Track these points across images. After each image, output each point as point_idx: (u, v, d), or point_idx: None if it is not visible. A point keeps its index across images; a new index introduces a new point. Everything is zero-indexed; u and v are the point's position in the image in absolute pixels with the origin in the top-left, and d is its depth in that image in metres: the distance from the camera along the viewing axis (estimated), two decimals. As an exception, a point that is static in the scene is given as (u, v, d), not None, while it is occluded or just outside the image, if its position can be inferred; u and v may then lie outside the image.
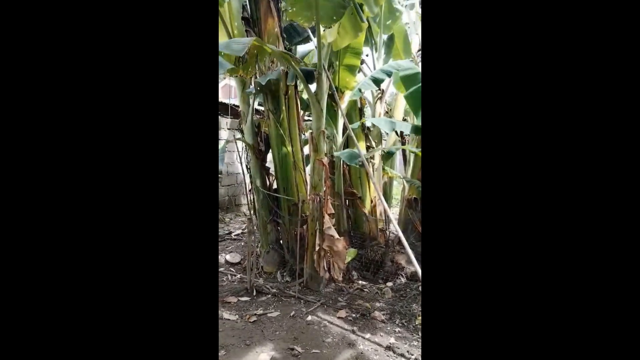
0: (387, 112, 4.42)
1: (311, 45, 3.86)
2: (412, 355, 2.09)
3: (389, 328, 2.45)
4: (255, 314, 2.60)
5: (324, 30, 2.71)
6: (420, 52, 4.69)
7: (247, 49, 2.29)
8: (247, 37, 2.99)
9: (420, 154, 3.12)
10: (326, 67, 2.87)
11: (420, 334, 2.35)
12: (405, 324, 2.50)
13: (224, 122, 6.03)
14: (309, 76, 2.82)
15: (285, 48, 3.32)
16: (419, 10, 4.50)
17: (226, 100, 6.13)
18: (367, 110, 4.27)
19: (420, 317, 2.54)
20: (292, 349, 2.14)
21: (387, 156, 3.46)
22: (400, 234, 2.43)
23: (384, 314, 2.61)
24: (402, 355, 2.11)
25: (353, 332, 2.38)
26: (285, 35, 3.41)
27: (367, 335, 2.33)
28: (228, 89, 12.70)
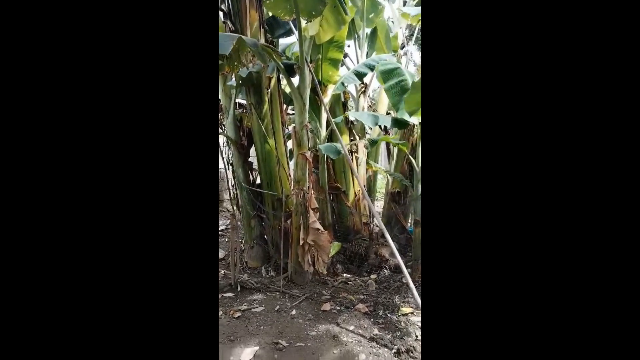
0: (370, 106, 4.43)
1: (294, 38, 3.82)
2: (395, 345, 2.13)
3: (372, 320, 2.48)
4: (240, 310, 2.59)
5: (305, 23, 2.68)
6: (403, 47, 4.72)
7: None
8: (225, 29, 2.93)
9: (402, 147, 3.14)
10: (308, 61, 2.85)
11: (403, 324, 2.40)
12: (389, 315, 2.55)
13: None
14: (290, 70, 2.80)
15: (267, 40, 3.27)
16: (400, 6, 4.51)
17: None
18: (352, 104, 4.27)
19: (403, 308, 2.59)
20: (277, 343, 2.15)
21: (371, 145, 3.48)
22: (383, 228, 2.46)
23: (367, 306, 2.65)
24: (385, 345, 2.15)
25: (337, 324, 2.40)
26: (267, 28, 3.36)
27: (351, 327, 2.36)
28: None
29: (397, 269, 3.34)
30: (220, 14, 3.05)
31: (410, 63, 4.98)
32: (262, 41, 3.08)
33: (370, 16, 3.87)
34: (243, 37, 2.28)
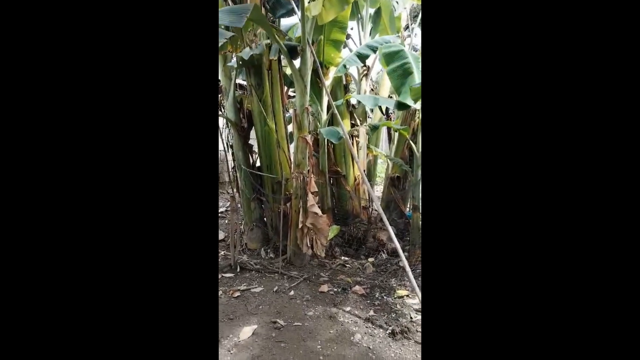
0: (372, 90, 4.38)
1: (295, 19, 3.73)
2: (390, 326, 2.19)
3: (368, 301, 2.54)
4: (239, 290, 2.65)
5: (308, 3, 2.62)
6: (407, 29, 4.62)
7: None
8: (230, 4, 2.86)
9: (403, 132, 3.13)
10: (310, 42, 2.79)
11: (398, 306, 2.45)
12: (385, 297, 2.60)
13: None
14: (292, 51, 2.75)
15: (268, 20, 3.20)
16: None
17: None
18: (354, 87, 4.21)
19: (399, 291, 2.64)
20: (275, 322, 2.21)
21: (372, 130, 3.47)
22: (382, 212, 2.48)
23: (364, 288, 2.70)
24: (380, 326, 2.20)
25: (334, 305, 2.46)
26: (268, 7, 3.28)
27: (348, 309, 2.42)
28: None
29: (394, 253, 3.39)
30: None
31: (415, 44, 4.88)
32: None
33: (374, -4, 3.77)
34: (259, 9, 2.08)
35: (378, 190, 5.47)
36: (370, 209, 3.91)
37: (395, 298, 2.58)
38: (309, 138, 2.90)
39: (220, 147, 3.61)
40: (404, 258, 2.28)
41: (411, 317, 2.32)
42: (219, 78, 3.40)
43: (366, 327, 2.21)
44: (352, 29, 4.18)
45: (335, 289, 2.71)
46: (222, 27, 2.15)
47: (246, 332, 2.10)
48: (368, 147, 3.89)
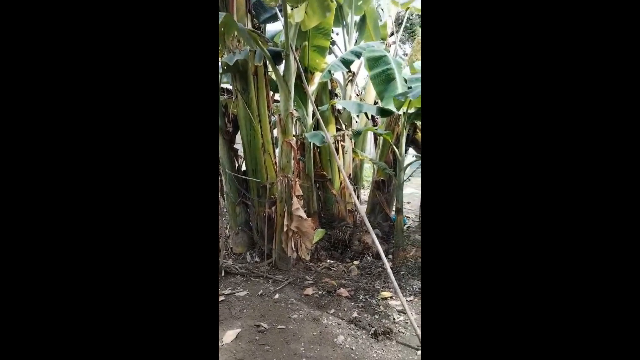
0: (358, 95, 4.45)
1: (280, 25, 3.78)
2: (373, 327, 2.22)
3: (352, 303, 2.56)
4: (223, 294, 2.64)
5: (291, 9, 2.66)
6: (392, 35, 4.71)
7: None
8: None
9: (386, 136, 3.19)
10: (294, 48, 2.84)
11: (382, 308, 2.49)
12: (369, 299, 2.63)
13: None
14: (276, 57, 2.78)
15: (253, 26, 3.23)
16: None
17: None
18: (340, 92, 4.27)
19: (382, 293, 2.68)
20: (259, 326, 2.21)
21: (355, 136, 3.52)
22: (364, 216, 2.52)
23: (349, 291, 2.73)
24: (363, 328, 2.23)
25: (319, 308, 2.48)
26: (254, 13, 3.31)
27: (332, 311, 2.44)
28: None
29: (379, 256, 3.43)
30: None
31: (400, 51, 4.98)
32: (249, 26, 3.04)
33: (358, 3, 3.85)
34: (231, 16, 2.24)
35: (365, 193, 5.53)
36: (356, 213, 3.95)
37: (379, 300, 2.61)
38: (293, 142, 2.93)
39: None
40: (385, 261, 2.31)
41: (394, 318, 2.36)
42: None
43: (349, 328, 2.23)
44: (337, 34, 4.25)
45: (320, 292, 2.72)
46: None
47: (229, 335, 2.10)
48: (354, 152, 3.95)
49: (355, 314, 2.40)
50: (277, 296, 2.64)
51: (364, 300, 2.62)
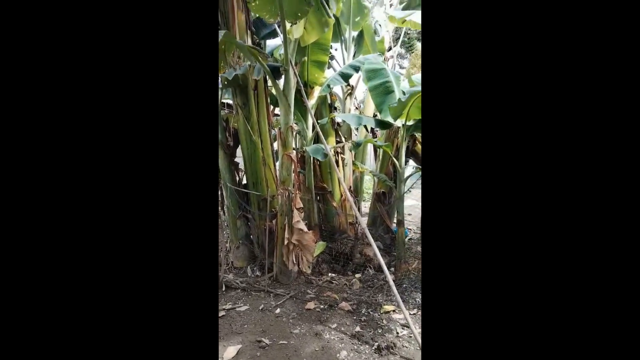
0: (357, 108, 4.49)
1: (280, 40, 3.85)
2: (376, 342, 2.18)
3: (355, 317, 2.53)
4: (224, 309, 2.61)
5: (290, 26, 2.72)
6: (390, 50, 4.79)
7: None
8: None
9: (386, 148, 3.21)
10: (293, 63, 2.88)
11: (385, 322, 2.45)
12: (371, 312, 2.60)
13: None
14: (275, 71, 2.83)
15: (254, 42, 3.30)
16: (388, 10, 4.58)
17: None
18: (339, 105, 4.32)
19: (385, 306, 2.64)
20: (260, 341, 2.18)
21: (354, 148, 3.54)
22: (365, 228, 2.51)
23: (351, 304, 2.69)
24: (366, 342, 2.19)
25: (320, 322, 2.44)
26: (254, 29, 3.38)
27: (334, 325, 2.40)
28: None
29: (381, 268, 3.40)
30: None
31: (397, 65, 5.06)
32: (249, 42, 3.11)
33: (356, 19, 3.93)
34: (230, 34, 2.30)
35: (366, 206, 5.51)
36: (357, 225, 3.93)
37: (381, 313, 2.57)
38: (293, 155, 2.94)
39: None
40: (387, 273, 2.29)
41: (397, 333, 2.32)
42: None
43: (352, 343, 2.20)
44: (336, 49, 4.32)
45: (322, 306, 2.69)
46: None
47: (230, 352, 2.07)
48: (354, 164, 3.96)
49: (357, 329, 2.36)
50: (278, 311, 2.61)
51: (366, 314, 2.58)
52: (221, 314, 2.53)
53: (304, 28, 2.69)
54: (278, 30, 3.29)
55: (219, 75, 3.19)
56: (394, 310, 2.60)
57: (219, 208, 3.53)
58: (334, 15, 3.10)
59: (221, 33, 2.16)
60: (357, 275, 3.30)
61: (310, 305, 2.69)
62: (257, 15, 3.30)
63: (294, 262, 2.95)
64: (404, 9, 4.45)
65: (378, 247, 3.62)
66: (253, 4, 2.35)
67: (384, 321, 2.46)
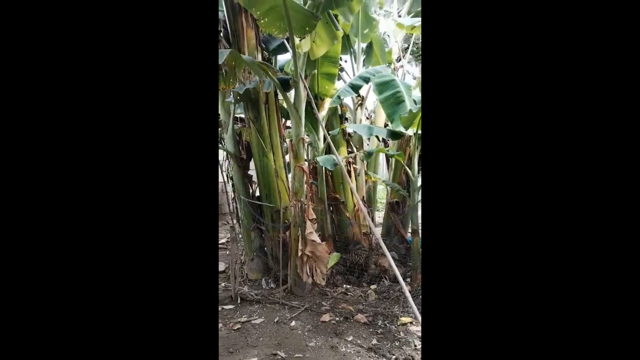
0: (368, 118, 4.51)
1: (290, 55, 3.93)
2: (394, 355, 2.13)
3: (371, 330, 2.48)
4: (239, 322, 2.61)
5: (299, 40, 2.78)
6: (399, 60, 4.82)
7: (225, 60, 2.35)
8: (221, 49, 3.04)
9: (398, 157, 3.19)
10: (303, 76, 2.93)
11: (402, 334, 2.40)
12: (388, 325, 2.55)
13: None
14: (285, 85, 2.88)
15: (264, 57, 3.38)
16: (396, 19, 4.63)
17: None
18: (350, 116, 4.34)
19: (402, 318, 2.59)
20: (275, 354, 2.16)
21: (366, 157, 3.54)
22: (379, 238, 2.49)
23: (367, 316, 2.65)
24: (383, 356, 2.15)
25: (336, 335, 2.41)
26: (264, 45, 3.47)
27: (350, 338, 2.37)
28: (213, 98, 12.66)
29: (396, 279, 3.34)
30: (219, 34, 3.17)
31: (408, 75, 5.07)
32: (259, 58, 3.18)
33: (365, 31, 3.97)
34: (237, 52, 2.38)
35: (379, 215, 5.47)
36: (371, 236, 3.89)
37: (398, 325, 2.52)
38: (305, 166, 2.96)
39: (220, 179, 3.69)
40: (403, 284, 2.26)
41: (415, 345, 2.27)
42: (219, 112, 3.54)
43: (369, 356, 2.16)
44: (345, 61, 4.38)
45: (337, 318, 2.66)
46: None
47: (246, 365, 2.06)
48: (366, 174, 3.95)
49: (374, 341, 2.32)
50: (293, 323, 2.59)
51: (382, 326, 2.54)
52: (236, 326, 2.53)
53: (313, 42, 2.75)
54: (287, 45, 3.36)
55: (231, 90, 3.27)
56: (411, 322, 2.55)
57: (234, 220, 3.57)
58: (342, 28, 3.16)
59: (229, 52, 2.24)
60: (373, 287, 3.25)
61: (326, 317, 2.66)
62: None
63: (308, 273, 2.93)
64: (413, 17, 4.48)
65: (393, 257, 3.57)
66: (262, 21, 2.42)
67: (401, 333, 2.41)
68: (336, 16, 2.89)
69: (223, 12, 3.22)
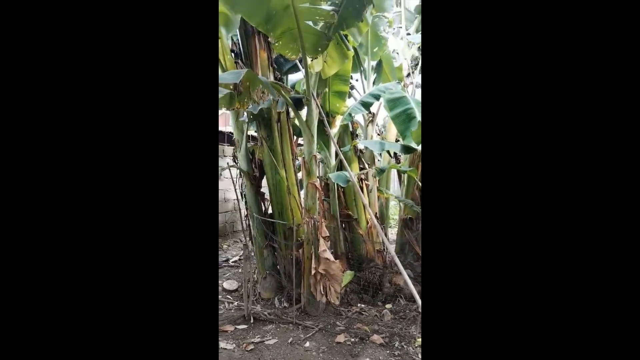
0: (379, 134, 4.52)
1: (302, 74, 4.01)
2: (412, 378, 2.05)
3: (388, 351, 2.41)
4: (253, 342, 2.56)
5: (311, 60, 2.84)
6: (408, 76, 4.86)
7: (241, 80, 2.40)
8: (238, 69, 3.12)
9: (410, 173, 3.17)
10: (315, 95, 2.98)
11: (420, 356, 2.31)
12: (405, 346, 2.47)
13: (221, 149, 6.14)
14: (298, 103, 2.93)
15: (276, 77, 3.45)
16: (405, 36, 4.70)
17: (223, 128, 6.28)
18: (362, 132, 4.36)
19: (419, 339, 2.50)
20: (290, 377, 2.10)
21: (379, 174, 3.52)
22: (394, 255, 2.44)
23: (383, 337, 2.58)
24: (401, 379, 2.07)
25: (352, 356, 2.34)
26: (276, 66, 3.55)
27: (366, 360, 2.29)
28: (224, 118, 12.93)
29: (412, 298, 3.25)
30: (232, 55, 3.27)
31: (418, 91, 5.10)
32: (272, 78, 3.26)
33: (374, 50, 4.04)
34: (253, 72, 2.42)
35: (393, 232, 5.39)
36: (385, 253, 3.83)
37: (416, 347, 2.44)
38: (317, 183, 2.96)
39: (233, 196, 3.72)
40: (420, 304, 2.19)
41: (434, 368, 2.18)
42: (232, 131, 3.61)
43: (386, 380, 2.08)
44: (357, 80, 4.44)
45: (353, 339, 2.59)
46: (222, 85, 2.42)
47: (259, 388, 2.01)
48: (379, 190, 3.92)
49: (391, 364, 2.24)
50: (307, 344, 2.53)
51: (399, 347, 2.45)
52: (250, 347, 2.49)
53: (325, 61, 2.80)
54: (299, 65, 3.44)
55: (244, 110, 3.33)
56: (429, 344, 2.46)
57: (247, 238, 3.57)
58: (352, 47, 3.22)
59: (246, 72, 2.29)
60: (388, 306, 3.17)
61: (340, 338, 2.59)
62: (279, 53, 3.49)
63: (322, 292, 2.89)
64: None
65: (408, 275, 3.49)
66: (276, 44, 2.49)
67: (419, 355, 2.32)
68: (346, 36, 2.96)
69: (236, 36, 3.33)
